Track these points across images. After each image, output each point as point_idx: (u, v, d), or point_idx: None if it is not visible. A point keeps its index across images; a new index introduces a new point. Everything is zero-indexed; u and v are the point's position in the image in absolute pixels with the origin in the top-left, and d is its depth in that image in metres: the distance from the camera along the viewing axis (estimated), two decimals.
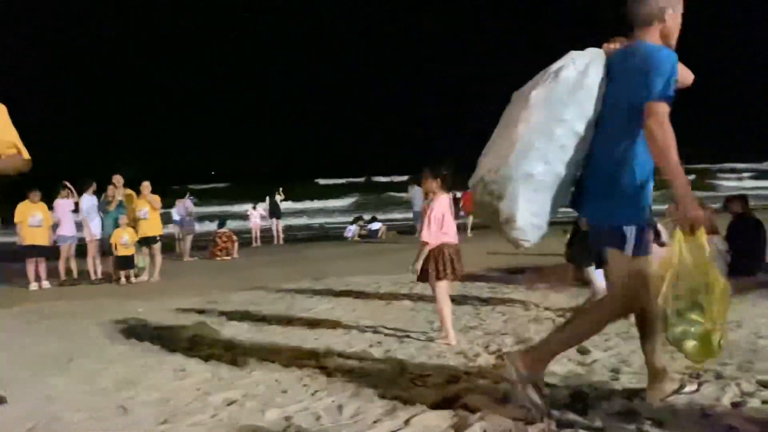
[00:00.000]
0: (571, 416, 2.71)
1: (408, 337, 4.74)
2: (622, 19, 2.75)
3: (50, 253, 10.56)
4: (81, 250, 11.16)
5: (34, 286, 10.14)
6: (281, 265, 12.04)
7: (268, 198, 19.34)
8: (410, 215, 19.37)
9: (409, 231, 19.10)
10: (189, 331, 5.50)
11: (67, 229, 10.79)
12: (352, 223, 20.75)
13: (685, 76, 2.78)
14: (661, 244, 6.81)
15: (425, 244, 4.53)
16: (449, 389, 3.23)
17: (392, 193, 43.72)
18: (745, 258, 6.69)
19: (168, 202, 13.61)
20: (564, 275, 5.67)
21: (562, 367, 3.59)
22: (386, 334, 4.87)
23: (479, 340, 4.49)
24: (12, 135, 3.59)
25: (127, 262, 10.49)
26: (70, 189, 11.01)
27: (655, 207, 2.72)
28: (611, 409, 2.78)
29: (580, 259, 5.62)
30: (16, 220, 10.21)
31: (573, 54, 2.77)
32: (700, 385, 3.01)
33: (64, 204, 10.85)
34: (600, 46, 2.82)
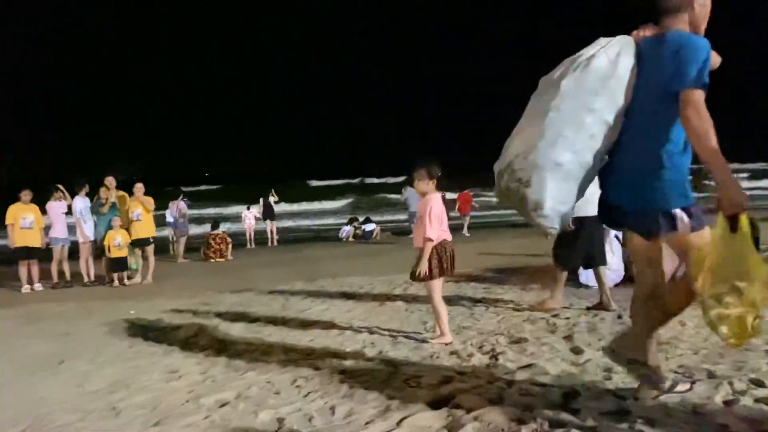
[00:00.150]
0: (564, 416, 2.70)
1: (401, 337, 4.74)
2: (650, 8, 2.73)
3: (42, 255, 10.50)
4: (74, 252, 11.10)
5: (26, 288, 10.08)
6: (275, 267, 12.02)
7: (261, 200, 19.31)
8: (404, 216, 19.39)
9: (403, 232, 19.11)
10: (182, 332, 5.48)
11: (60, 231, 10.72)
12: (346, 224, 20.77)
13: (715, 61, 2.78)
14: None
15: (429, 241, 4.51)
16: (442, 389, 3.23)
17: (386, 195, 43.79)
18: None
19: (161, 204, 13.56)
20: (558, 276, 5.67)
21: (555, 366, 3.60)
22: (380, 335, 4.86)
23: (473, 340, 4.48)
24: None
25: (120, 264, 10.45)
26: (62, 191, 10.94)
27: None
28: (604, 408, 2.78)
29: (569, 261, 5.63)
30: (7, 222, 10.16)
31: (603, 41, 2.75)
32: (692, 383, 3.02)
33: (56, 206, 10.78)
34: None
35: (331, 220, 32.75)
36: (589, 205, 5.30)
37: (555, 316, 5.21)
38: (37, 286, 10.22)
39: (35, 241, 10.25)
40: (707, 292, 2.41)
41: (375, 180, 55.51)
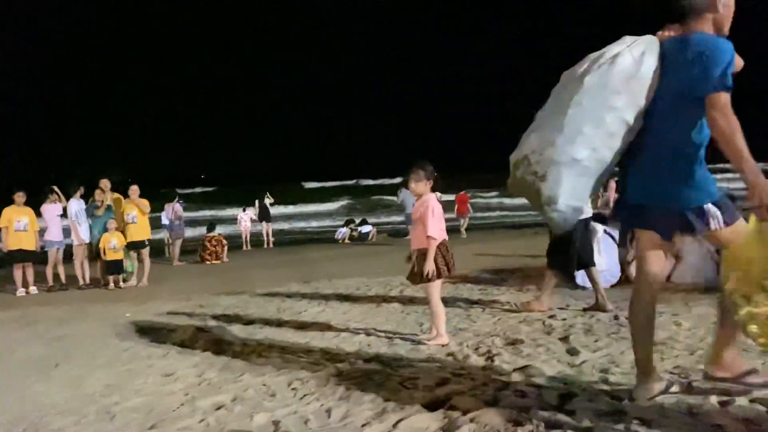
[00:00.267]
0: (560, 417, 2.70)
1: (398, 339, 4.73)
2: (672, 10, 2.73)
3: (36, 258, 10.46)
4: (69, 255, 11.06)
5: (21, 291, 10.04)
6: (271, 268, 12.01)
7: (257, 201, 19.29)
8: (399, 218, 19.38)
9: (399, 234, 19.12)
10: (178, 335, 5.47)
11: (55, 234, 10.68)
12: (343, 225, 20.79)
13: (738, 64, 2.79)
14: None
15: (433, 240, 4.51)
16: (439, 391, 3.23)
17: (382, 197, 43.89)
18: None
19: (157, 206, 13.53)
20: (547, 279, 5.70)
21: (551, 367, 3.60)
22: (376, 337, 4.85)
23: (469, 341, 4.48)
24: None
25: (115, 267, 10.41)
26: (57, 193, 10.91)
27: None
28: (599, 409, 2.78)
29: (569, 265, 5.64)
30: (0, 225, 10.10)
31: (628, 40, 2.76)
32: (688, 384, 3.02)
33: (51, 209, 10.74)
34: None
35: (327, 222, 32.76)
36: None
37: (551, 317, 5.21)
38: (32, 289, 10.17)
39: (30, 243, 10.20)
40: (739, 290, 2.42)
41: (370, 181, 55.58)
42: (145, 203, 10.76)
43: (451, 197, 19.63)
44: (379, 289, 7.57)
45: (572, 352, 3.97)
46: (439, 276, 4.53)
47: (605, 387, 3.16)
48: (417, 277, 4.60)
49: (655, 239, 2.81)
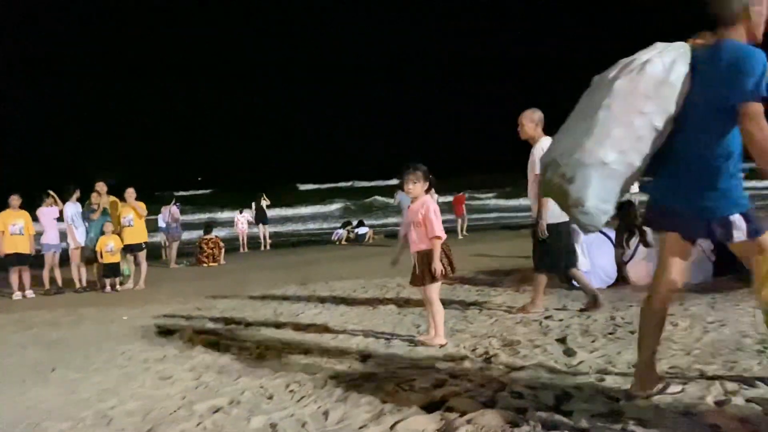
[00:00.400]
0: (557, 418, 2.70)
1: (395, 340, 4.73)
2: (704, 18, 2.74)
3: (32, 261, 10.44)
4: (65, 258, 11.04)
5: (17, 295, 10.02)
6: (268, 271, 12.00)
7: (254, 204, 19.29)
8: (396, 219, 19.37)
9: (395, 235, 19.12)
10: (174, 338, 5.46)
11: (51, 238, 10.67)
12: (340, 227, 20.83)
13: None
14: (647, 245, 6.91)
15: (438, 239, 4.52)
16: (436, 393, 3.22)
17: (377, 197, 44.03)
18: (729, 257, 6.73)
19: (153, 209, 13.51)
20: (538, 281, 5.71)
21: (548, 368, 3.60)
22: (373, 339, 4.85)
23: (466, 342, 4.48)
24: None
25: (112, 270, 10.40)
26: (53, 197, 10.89)
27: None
28: (596, 410, 2.78)
29: (556, 266, 5.65)
30: None
31: (659, 46, 2.77)
32: (684, 384, 3.02)
33: (47, 212, 10.73)
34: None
35: (324, 224, 32.80)
36: (558, 211, 5.47)
37: (548, 318, 5.22)
38: (29, 293, 10.16)
39: (25, 247, 10.18)
40: None
41: (366, 183, 55.66)
42: (142, 206, 10.74)
43: (449, 198, 19.67)
44: (375, 291, 7.57)
45: (569, 353, 3.97)
46: (445, 276, 4.56)
47: (602, 388, 3.16)
48: (422, 278, 4.58)
49: (679, 243, 2.82)
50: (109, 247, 10.27)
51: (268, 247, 18.94)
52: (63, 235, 10.90)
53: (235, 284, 9.75)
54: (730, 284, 5.86)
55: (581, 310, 5.45)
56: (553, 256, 5.53)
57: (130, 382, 4.12)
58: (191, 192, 50.14)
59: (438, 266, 4.47)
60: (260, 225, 19.03)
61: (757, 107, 2.47)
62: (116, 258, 10.39)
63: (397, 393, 3.30)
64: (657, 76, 2.68)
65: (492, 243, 14.45)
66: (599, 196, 2.75)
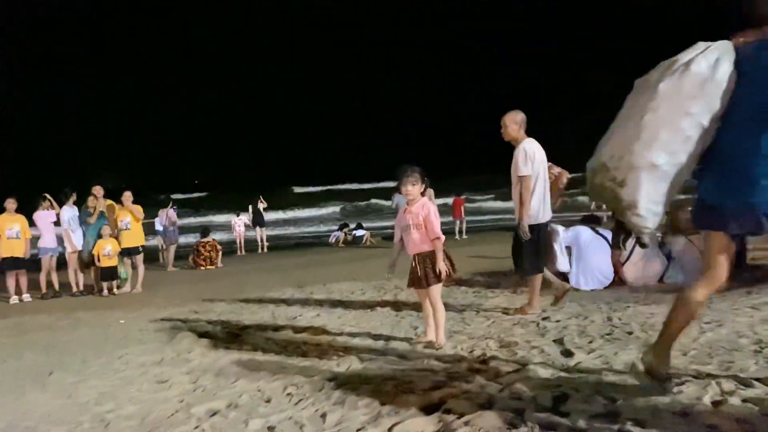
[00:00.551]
0: (555, 418, 2.71)
1: (392, 343, 4.73)
2: (745, 18, 2.75)
3: (29, 265, 10.42)
4: (62, 262, 11.02)
5: (14, 299, 9.99)
6: (265, 273, 12.00)
7: (250, 207, 19.28)
8: (394, 222, 19.32)
9: (392, 237, 19.12)
10: (172, 342, 5.45)
11: (49, 241, 10.65)
12: (338, 230, 20.83)
13: None
14: (643, 246, 6.92)
15: (440, 240, 4.52)
16: (434, 395, 3.22)
17: (371, 200, 44.12)
18: None
19: (150, 212, 13.51)
20: (534, 282, 5.75)
21: (545, 370, 3.60)
22: (370, 341, 4.85)
23: (463, 344, 4.49)
24: None
25: (110, 274, 10.38)
26: (50, 200, 10.87)
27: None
28: (594, 410, 2.79)
29: (535, 266, 5.68)
30: None
31: (701, 45, 2.79)
32: (681, 384, 3.03)
33: (44, 216, 10.71)
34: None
35: (321, 227, 32.80)
36: (545, 213, 5.56)
37: (545, 319, 5.23)
38: (26, 297, 10.13)
39: (21, 251, 10.16)
40: None
41: (361, 185, 55.70)
42: (139, 209, 10.73)
43: (448, 200, 19.68)
44: (373, 293, 7.58)
45: (566, 353, 3.98)
46: (447, 277, 4.57)
47: (599, 388, 3.16)
48: (426, 280, 4.56)
49: (724, 242, 2.83)
50: (107, 251, 10.25)
51: (265, 249, 18.93)
52: (60, 239, 10.88)
53: (232, 287, 9.74)
54: (726, 285, 5.86)
55: (554, 304, 5.74)
56: (533, 258, 5.59)
57: (127, 385, 4.11)
58: (187, 195, 50.06)
59: (442, 267, 4.48)
60: (257, 228, 19.03)
61: None
62: (113, 262, 10.37)
63: (395, 395, 3.30)
64: (701, 75, 2.71)
65: (489, 244, 14.44)
66: (651, 198, 2.81)
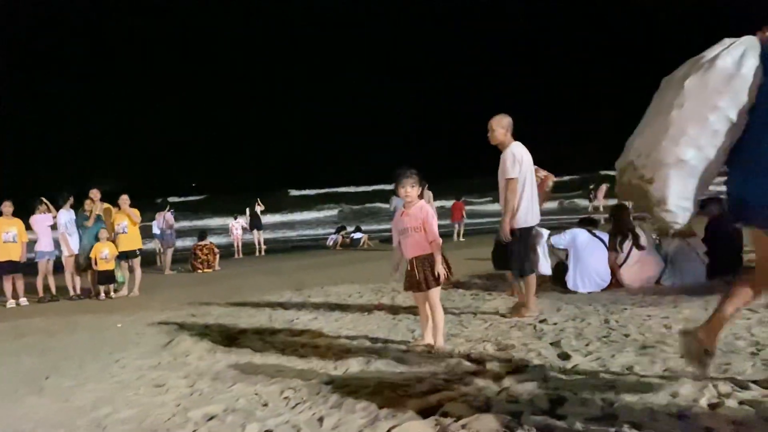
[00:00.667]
0: (552, 421, 2.71)
1: (389, 346, 4.73)
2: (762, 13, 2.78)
3: (25, 269, 10.39)
4: (59, 265, 11.00)
5: (11, 303, 9.98)
6: (262, 276, 11.99)
7: (248, 210, 19.28)
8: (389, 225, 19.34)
9: (390, 240, 19.13)
10: (169, 345, 5.44)
11: (45, 245, 10.63)
12: (335, 232, 20.83)
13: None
14: (640, 248, 6.94)
15: (437, 243, 4.52)
16: (431, 398, 3.22)
17: (367, 204, 44.16)
18: (722, 259, 6.79)
19: (148, 216, 13.49)
20: (529, 283, 5.74)
21: (542, 372, 3.60)
22: (368, 344, 4.85)
23: (461, 347, 4.48)
24: None
25: (107, 277, 10.37)
26: (47, 204, 10.86)
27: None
28: (590, 413, 2.79)
29: (525, 267, 5.69)
30: None
31: (727, 42, 2.80)
32: (678, 386, 3.04)
33: (41, 219, 10.69)
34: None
35: (319, 230, 32.80)
36: (529, 216, 5.56)
37: (542, 322, 5.23)
38: (23, 301, 10.11)
39: (17, 255, 10.13)
40: None
41: (358, 188, 55.73)
42: (136, 213, 10.73)
43: (446, 203, 19.71)
44: (370, 296, 7.58)
45: (563, 356, 3.98)
46: (446, 279, 4.57)
47: (596, 391, 3.16)
48: (425, 282, 4.54)
49: (763, 238, 2.84)
50: (104, 255, 10.24)
51: (262, 252, 18.94)
52: (57, 243, 10.86)
53: (229, 290, 9.73)
54: (723, 286, 5.88)
55: (503, 315, 5.64)
56: (521, 259, 5.59)
57: (124, 389, 4.10)
58: (184, 198, 50.01)
59: (441, 270, 4.49)
60: (255, 231, 19.03)
61: None
62: (111, 265, 10.36)
63: (392, 398, 3.30)
64: (727, 70, 2.71)
65: (487, 247, 14.43)
66: (680, 194, 2.79)
